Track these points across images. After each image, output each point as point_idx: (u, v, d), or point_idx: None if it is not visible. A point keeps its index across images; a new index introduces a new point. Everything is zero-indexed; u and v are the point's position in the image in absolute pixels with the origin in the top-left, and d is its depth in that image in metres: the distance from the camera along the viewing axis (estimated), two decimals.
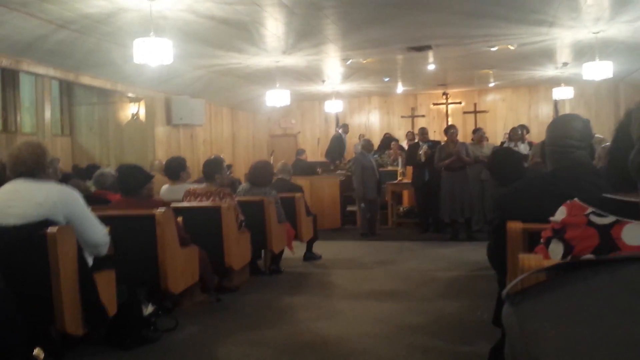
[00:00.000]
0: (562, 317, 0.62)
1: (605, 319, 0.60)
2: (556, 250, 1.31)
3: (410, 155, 8.92)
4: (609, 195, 1.25)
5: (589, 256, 1.23)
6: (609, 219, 1.22)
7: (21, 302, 2.80)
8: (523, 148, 8.64)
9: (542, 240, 1.39)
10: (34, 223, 3.01)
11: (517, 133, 9.12)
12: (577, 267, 0.66)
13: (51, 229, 3.00)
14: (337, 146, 12.15)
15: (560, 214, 1.34)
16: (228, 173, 6.01)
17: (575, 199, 1.31)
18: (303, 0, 5.91)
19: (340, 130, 12.54)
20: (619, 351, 0.57)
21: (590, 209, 1.26)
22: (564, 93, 11.62)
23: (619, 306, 0.60)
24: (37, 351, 2.90)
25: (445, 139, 8.24)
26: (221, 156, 6.32)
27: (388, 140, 12.25)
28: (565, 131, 2.23)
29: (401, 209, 9.69)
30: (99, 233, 3.33)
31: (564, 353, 0.59)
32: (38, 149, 3.22)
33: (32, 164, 3.16)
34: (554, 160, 2.26)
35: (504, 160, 5.73)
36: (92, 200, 4.04)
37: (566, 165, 2.20)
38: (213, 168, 5.29)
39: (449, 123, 11.88)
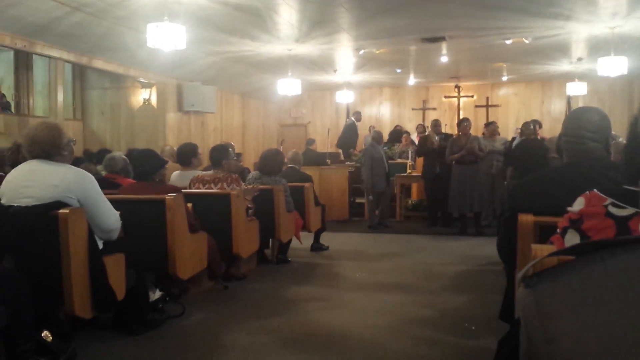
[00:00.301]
0: (579, 298, 0.61)
1: (623, 299, 0.59)
2: (572, 241, 1.30)
3: (421, 145, 8.87)
4: (629, 187, 1.24)
5: None
6: (628, 211, 1.20)
7: (31, 283, 2.81)
8: None
9: (558, 230, 1.38)
10: (47, 204, 3.01)
11: (529, 128, 9.03)
12: (594, 248, 0.65)
13: (63, 211, 3.01)
14: (349, 134, 12.03)
15: (579, 204, 1.33)
16: (236, 159, 6.00)
17: (595, 190, 1.30)
18: None
19: (353, 118, 12.42)
20: (638, 331, 0.56)
21: (609, 200, 1.24)
22: (577, 89, 11.50)
23: (636, 286, 0.59)
24: (45, 333, 2.91)
25: (457, 132, 8.18)
26: (232, 143, 6.31)
27: (398, 133, 12.15)
28: (580, 122, 2.21)
29: (410, 202, 9.65)
30: (111, 217, 3.32)
31: (581, 333, 0.58)
32: (55, 130, 3.19)
33: (49, 146, 3.13)
34: (568, 151, 2.24)
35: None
36: (103, 184, 4.04)
37: (580, 157, 2.18)
38: (220, 154, 5.28)
39: (461, 116, 11.80)
